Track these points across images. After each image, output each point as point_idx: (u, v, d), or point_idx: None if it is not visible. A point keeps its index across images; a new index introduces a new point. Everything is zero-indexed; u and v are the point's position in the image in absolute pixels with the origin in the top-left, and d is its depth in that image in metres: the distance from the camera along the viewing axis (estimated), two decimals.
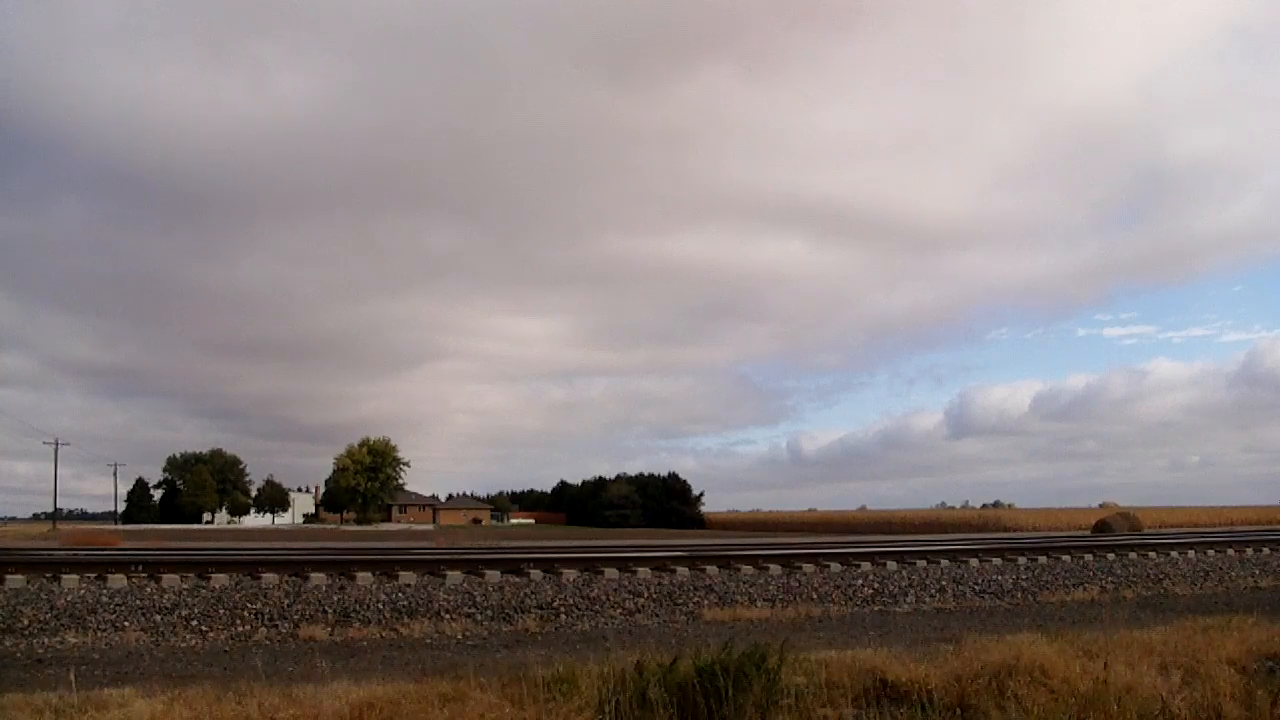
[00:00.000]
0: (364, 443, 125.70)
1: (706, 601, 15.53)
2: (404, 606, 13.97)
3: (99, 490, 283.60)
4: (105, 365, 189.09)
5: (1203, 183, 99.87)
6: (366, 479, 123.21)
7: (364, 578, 14.71)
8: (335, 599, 13.94)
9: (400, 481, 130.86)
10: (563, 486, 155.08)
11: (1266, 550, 23.22)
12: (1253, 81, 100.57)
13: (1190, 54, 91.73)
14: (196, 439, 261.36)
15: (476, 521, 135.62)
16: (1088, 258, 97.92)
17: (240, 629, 12.98)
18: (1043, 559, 20.17)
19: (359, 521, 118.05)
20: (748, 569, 17.33)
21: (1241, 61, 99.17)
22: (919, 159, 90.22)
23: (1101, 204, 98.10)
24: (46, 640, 12.10)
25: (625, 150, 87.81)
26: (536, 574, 15.72)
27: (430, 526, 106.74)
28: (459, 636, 13.20)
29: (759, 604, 15.65)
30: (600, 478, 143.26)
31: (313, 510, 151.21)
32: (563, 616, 14.41)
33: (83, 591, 13.39)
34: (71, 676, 8.47)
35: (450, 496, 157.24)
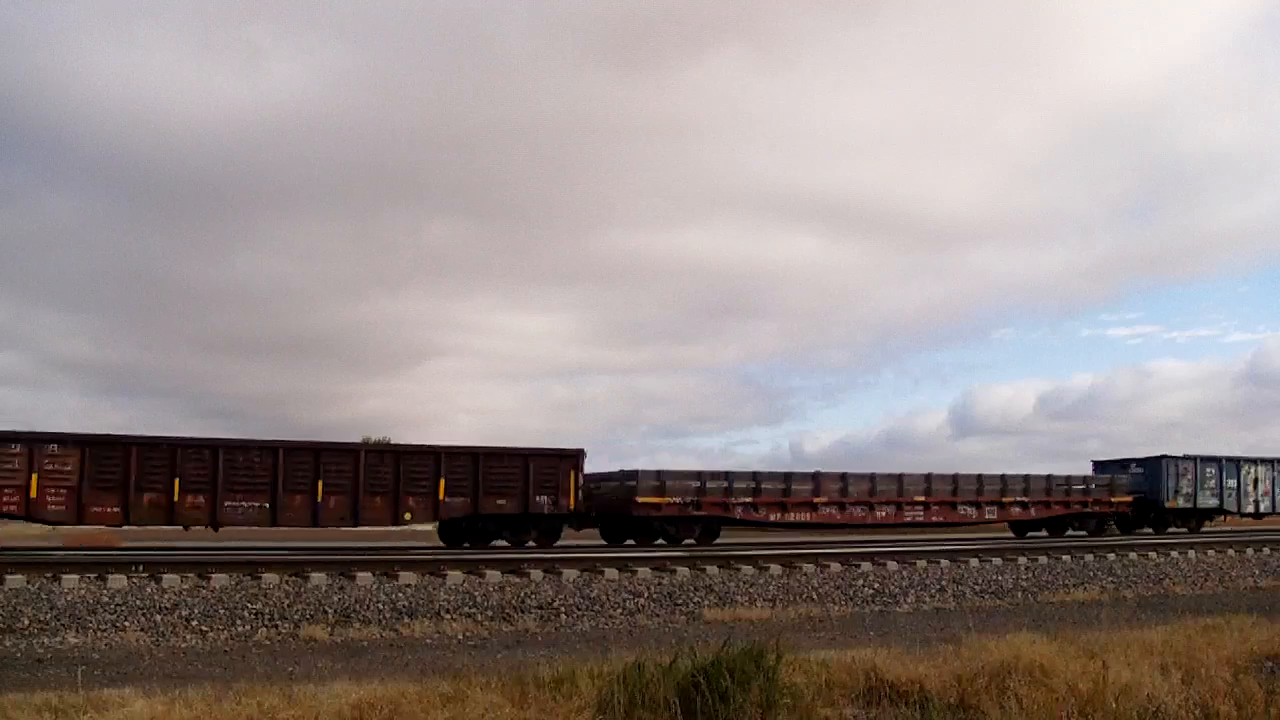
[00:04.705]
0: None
1: (707, 601, 15.53)
2: (404, 606, 13.97)
3: None
4: (101, 363, 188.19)
5: (1217, 179, 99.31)
6: None
7: (364, 578, 14.71)
8: (335, 599, 13.94)
9: None
10: None
11: (1266, 550, 23.23)
12: (1272, 75, 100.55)
13: (1210, 46, 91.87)
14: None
15: None
16: (1099, 255, 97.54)
17: (240, 629, 12.98)
18: (1043, 559, 20.19)
19: None
20: (748, 569, 17.34)
21: (1260, 55, 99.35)
22: (934, 152, 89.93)
23: (1114, 200, 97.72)
24: (47, 640, 12.10)
25: (630, 142, 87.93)
26: (536, 574, 15.73)
27: (432, 526, 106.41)
28: (459, 636, 13.20)
29: (759, 604, 15.65)
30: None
31: None
32: (563, 616, 14.41)
33: (83, 591, 13.38)
34: (76, 676, 8.48)
35: None
